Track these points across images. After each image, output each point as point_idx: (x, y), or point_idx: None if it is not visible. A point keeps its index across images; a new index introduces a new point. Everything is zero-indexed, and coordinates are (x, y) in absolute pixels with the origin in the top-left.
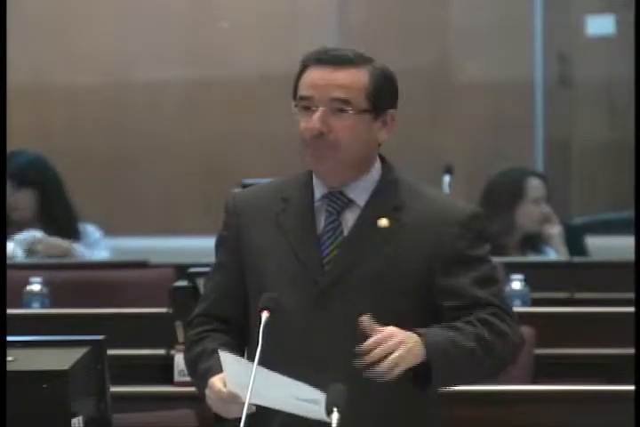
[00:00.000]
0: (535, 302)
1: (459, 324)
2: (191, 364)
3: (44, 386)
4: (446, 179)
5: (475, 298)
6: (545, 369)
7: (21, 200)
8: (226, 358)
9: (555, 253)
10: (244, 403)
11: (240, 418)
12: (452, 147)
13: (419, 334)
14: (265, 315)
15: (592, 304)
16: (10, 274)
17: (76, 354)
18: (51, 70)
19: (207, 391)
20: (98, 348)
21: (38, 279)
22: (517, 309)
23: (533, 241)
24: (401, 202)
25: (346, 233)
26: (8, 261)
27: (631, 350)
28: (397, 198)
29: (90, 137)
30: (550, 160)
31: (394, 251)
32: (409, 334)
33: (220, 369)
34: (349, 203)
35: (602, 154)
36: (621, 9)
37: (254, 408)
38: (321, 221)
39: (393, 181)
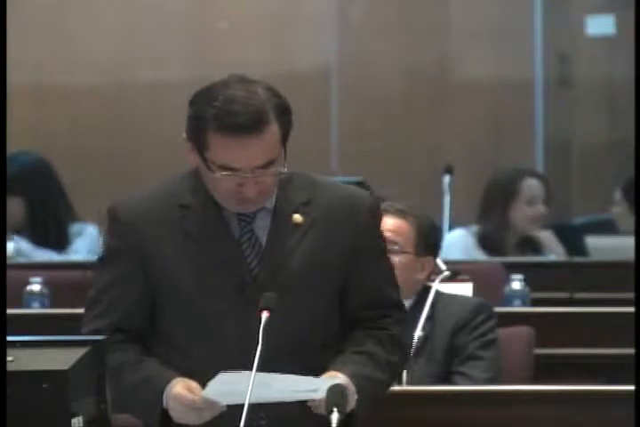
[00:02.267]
0: (535, 302)
1: (371, 347)
2: (110, 377)
3: (44, 386)
4: (446, 179)
5: (386, 298)
6: (545, 369)
7: (10, 208)
8: (222, 375)
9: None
10: (217, 407)
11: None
12: (452, 147)
13: (351, 379)
14: (265, 315)
15: (592, 304)
16: (10, 274)
17: (76, 354)
18: (51, 70)
19: (172, 403)
20: (98, 348)
21: (38, 279)
22: (517, 309)
23: (532, 243)
24: (306, 197)
25: (262, 238)
26: (8, 261)
27: (631, 350)
28: (301, 194)
29: (90, 137)
30: (550, 160)
31: (312, 246)
32: (349, 382)
33: (164, 378)
34: (261, 209)
35: (602, 154)
36: (621, 9)
37: (225, 408)
38: (233, 226)
39: (292, 177)
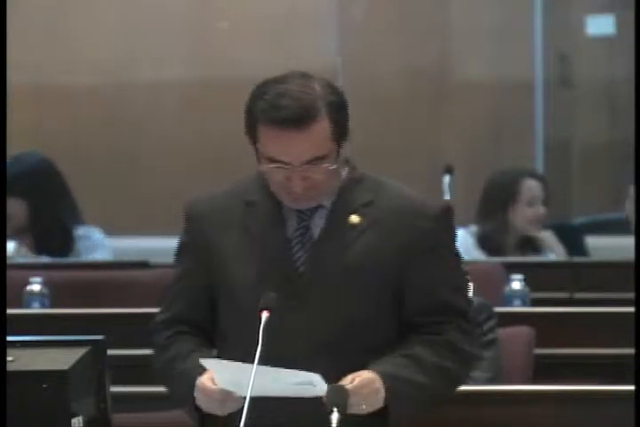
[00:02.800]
0: (535, 302)
1: (418, 350)
2: (165, 368)
3: (44, 386)
4: (446, 179)
5: (446, 303)
6: (545, 369)
7: (12, 209)
8: (207, 362)
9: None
10: (238, 398)
11: (230, 414)
12: (452, 147)
13: (382, 378)
14: (265, 315)
15: (592, 304)
16: (10, 274)
17: (76, 354)
18: (51, 70)
19: (197, 394)
20: (98, 348)
21: (38, 279)
22: (517, 309)
23: (532, 243)
24: (369, 198)
25: (316, 235)
26: (8, 261)
27: (631, 350)
28: (365, 195)
29: (90, 137)
30: (550, 160)
31: (365, 247)
32: (373, 380)
33: (200, 370)
34: (318, 207)
35: (602, 154)
36: (621, 9)
37: (244, 401)
38: (291, 224)
39: (357, 178)
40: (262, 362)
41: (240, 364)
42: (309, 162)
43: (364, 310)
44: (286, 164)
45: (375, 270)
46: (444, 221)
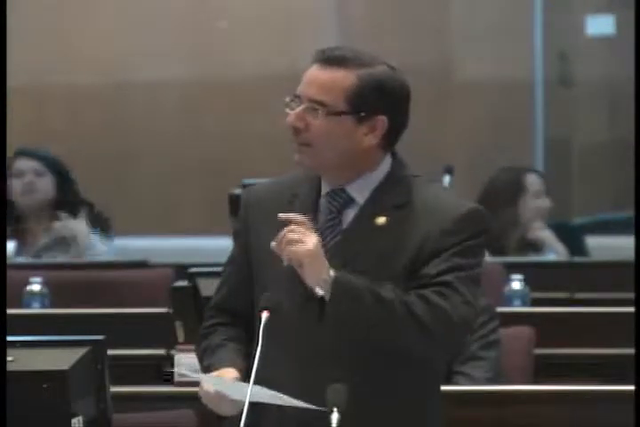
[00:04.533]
0: (535, 302)
1: (393, 290)
2: (200, 358)
3: (44, 386)
4: (446, 179)
5: (428, 276)
6: (545, 369)
7: (43, 185)
8: (203, 378)
9: (554, 253)
10: (234, 400)
11: (238, 415)
12: (452, 147)
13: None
14: (265, 315)
15: (592, 304)
16: (10, 274)
17: (76, 354)
18: (51, 70)
19: (199, 391)
20: (98, 348)
21: (38, 279)
22: (517, 309)
23: (534, 242)
24: (403, 200)
25: (342, 229)
26: (8, 261)
27: (631, 350)
28: (400, 196)
29: (90, 137)
30: (550, 160)
31: (387, 248)
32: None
33: (219, 366)
34: (350, 201)
35: (602, 154)
36: (621, 9)
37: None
38: (323, 216)
39: (399, 178)
40: (293, 358)
41: (240, 383)
42: (312, 100)
43: None
44: (297, 96)
45: (390, 272)
46: (470, 225)
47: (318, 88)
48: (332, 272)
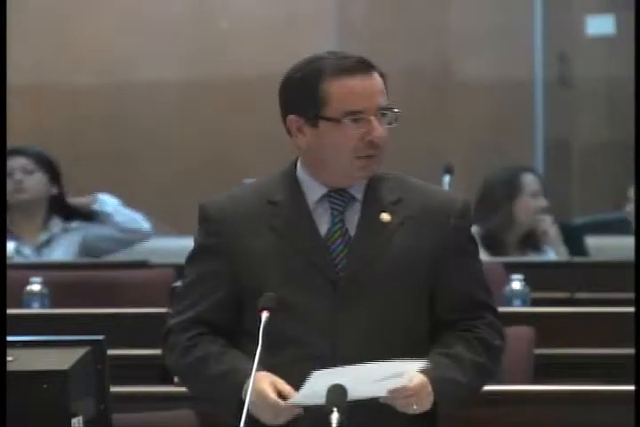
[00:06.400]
0: (535, 302)
1: (459, 349)
2: (193, 369)
3: (44, 386)
4: (446, 179)
5: (476, 300)
6: (545, 369)
7: (32, 184)
8: (315, 374)
9: (554, 253)
10: (295, 412)
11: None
12: (452, 147)
13: (431, 381)
14: (265, 315)
15: (592, 304)
16: (10, 274)
17: (76, 354)
18: (51, 70)
19: (255, 398)
20: (98, 348)
21: (38, 279)
22: (517, 309)
23: (534, 240)
24: (397, 196)
25: (351, 231)
26: (8, 261)
27: (631, 350)
28: (393, 192)
29: (90, 137)
30: (550, 160)
31: (400, 246)
32: (426, 383)
33: (248, 372)
34: (352, 200)
35: (602, 154)
36: (621, 9)
37: (301, 411)
38: (323, 222)
39: (380, 177)
40: (315, 365)
41: (326, 372)
42: (384, 108)
43: (400, 309)
44: (362, 112)
45: (410, 271)
46: (468, 218)
47: (381, 95)
48: (432, 397)
